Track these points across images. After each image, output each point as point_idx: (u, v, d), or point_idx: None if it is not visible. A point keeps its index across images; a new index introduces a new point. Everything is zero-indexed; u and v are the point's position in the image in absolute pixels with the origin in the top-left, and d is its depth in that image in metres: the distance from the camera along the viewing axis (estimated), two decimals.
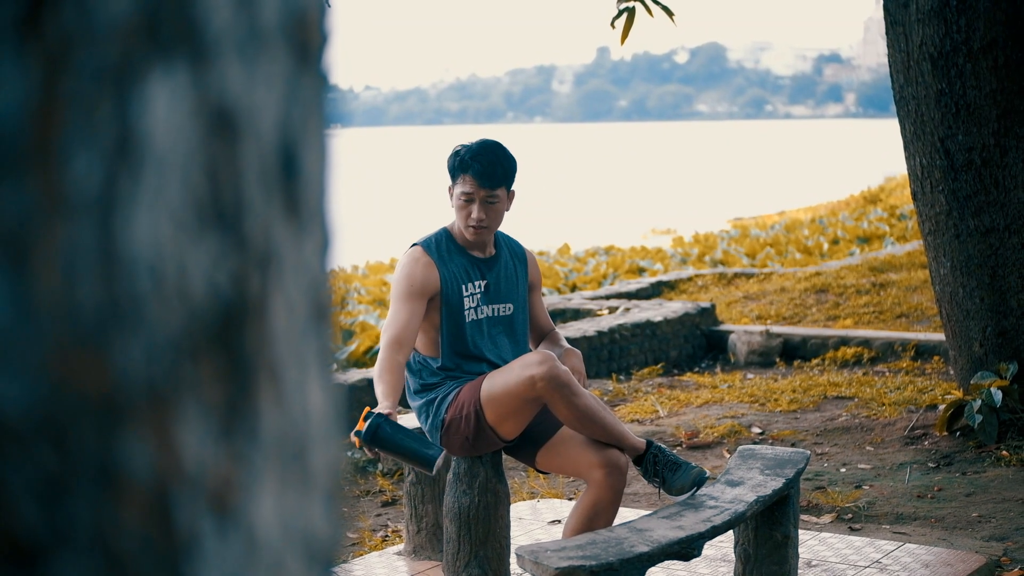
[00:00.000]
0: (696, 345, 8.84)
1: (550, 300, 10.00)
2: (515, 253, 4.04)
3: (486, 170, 3.77)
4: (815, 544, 4.50)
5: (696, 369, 8.46)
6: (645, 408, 6.90)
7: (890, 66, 6.12)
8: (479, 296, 3.89)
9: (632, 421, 6.67)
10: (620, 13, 6.41)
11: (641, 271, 15.08)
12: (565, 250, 18.97)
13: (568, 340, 7.90)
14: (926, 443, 5.97)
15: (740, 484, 3.76)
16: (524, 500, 5.23)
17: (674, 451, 6.08)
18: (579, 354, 3.96)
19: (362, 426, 3.53)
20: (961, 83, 5.81)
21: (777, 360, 8.36)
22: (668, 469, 3.76)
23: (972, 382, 5.92)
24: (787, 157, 72.16)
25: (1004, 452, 5.64)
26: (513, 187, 3.89)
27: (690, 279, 11.43)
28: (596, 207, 33.23)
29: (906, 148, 6.11)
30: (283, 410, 0.60)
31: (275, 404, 0.59)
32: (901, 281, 10.33)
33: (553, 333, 4.12)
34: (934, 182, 5.98)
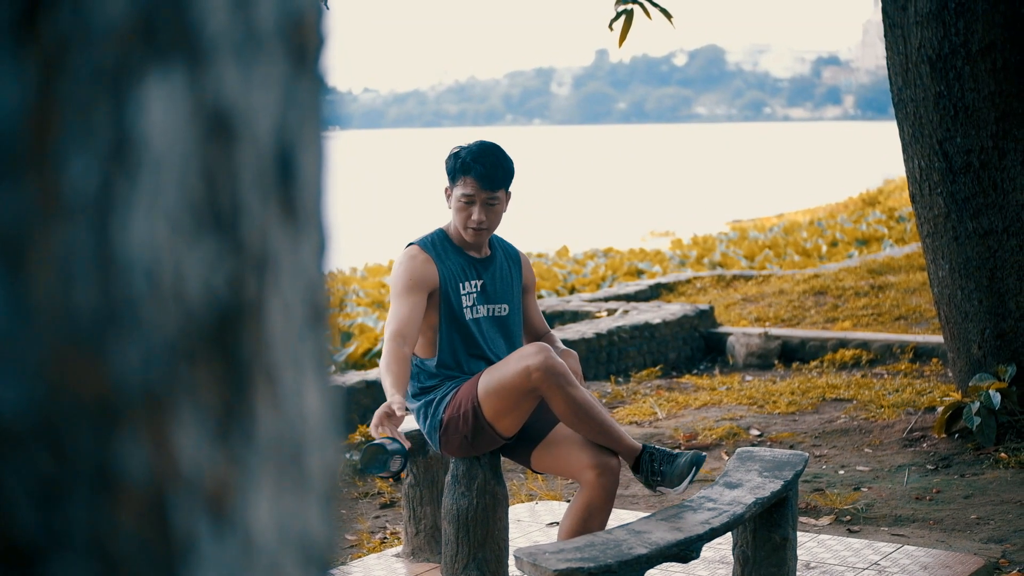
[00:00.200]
0: (695, 347, 8.84)
1: (549, 302, 10.00)
2: (509, 255, 4.05)
3: (488, 172, 3.80)
4: (813, 546, 4.50)
5: (694, 371, 8.46)
6: (643, 410, 6.90)
7: (888, 69, 6.12)
8: (476, 295, 3.90)
9: (630, 423, 6.67)
10: (618, 15, 6.41)
11: (640, 273, 15.09)
12: (564, 252, 18.98)
13: (567, 342, 7.89)
14: (924, 445, 5.97)
15: (738, 486, 3.76)
16: (522, 502, 5.23)
17: None
18: (575, 355, 3.97)
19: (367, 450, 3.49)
20: (959, 86, 5.81)
21: (775, 362, 8.36)
22: (665, 462, 3.76)
23: (970, 384, 5.92)
24: (786, 159, 72.18)
25: (1002, 454, 5.64)
26: (510, 188, 3.93)
27: (689, 281, 11.44)
28: (595, 209, 33.23)
29: (904, 150, 6.11)
30: (280, 413, 0.60)
31: (272, 407, 0.59)
32: (900, 283, 10.33)
33: (549, 335, 4.13)
34: (933, 184, 5.98)
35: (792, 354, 8.42)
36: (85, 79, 0.52)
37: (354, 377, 6.85)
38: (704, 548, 3.53)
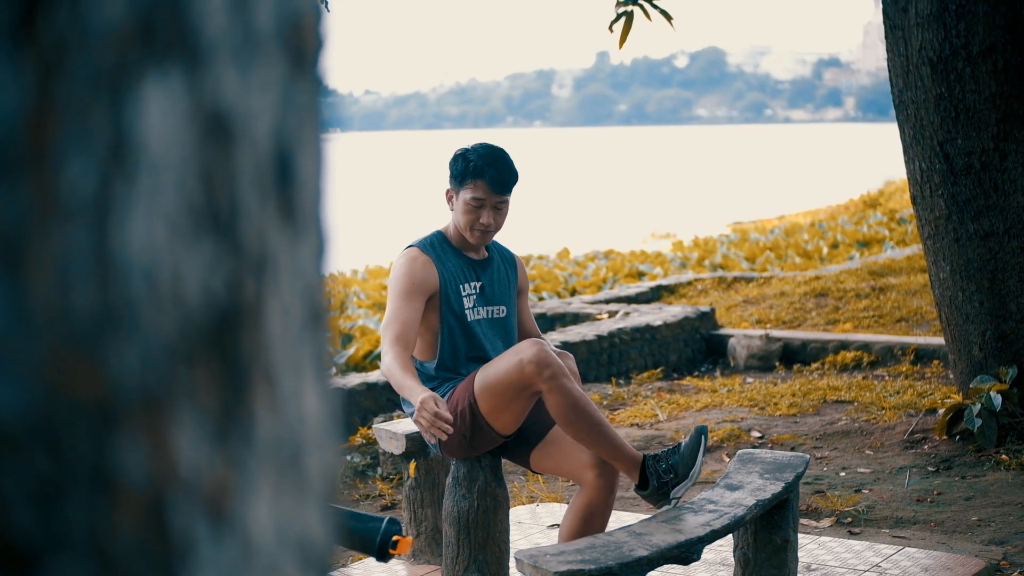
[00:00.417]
0: (696, 349, 8.84)
1: (550, 304, 10.00)
2: (505, 257, 4.07)
3: (500, 176, 3.83)
4: (814, 548, 4.50)
5: (696, 373, 8.45)
6: (644, 412, 6.90)
7: (889, 70, 6.12)
8: (475, 297, 3.91)
9: (632, 425, 6.67)
10: (618, 17, 6.42)
11: (641, 275, 15.09)
12: (565, 254, 18.98)
13: (568, 344, 7.89)
14: (926, 447, 5.97)
15: (739, 488, 3.75)
16: (523, 504, 5.23)
17: None
18: (571, 357, 3.96)
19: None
20: (960, 87, 5.81)
21: (777, 364, 8.36)
22: (671, 456, 3.71)
23: (972, 386, 5.92)
24: (787, 161, 72.17)
25: (1004, 456, 5.63)
26: None
27: (690, 283, 11.43)
28: (596, 211, 33.24)
29: (905, 152, 6.11)
30: (278, 415, 0.60)
31: (270, 409, 0.59)
32: (901, 285, 10.33)
33: (540, 339, 4.13)
34: (933, 186, 5.98)
35: (793, 356, 8.42)
36: (83, 81, 0.52)
37: (355, 379, 6.85)
38: (705, 550, 3.53)
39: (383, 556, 2.41)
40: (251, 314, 0.58)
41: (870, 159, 57.16)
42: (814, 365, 8.16)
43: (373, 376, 6.97)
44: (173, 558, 0.54)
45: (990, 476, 5.46)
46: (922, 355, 8.00)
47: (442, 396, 3.84)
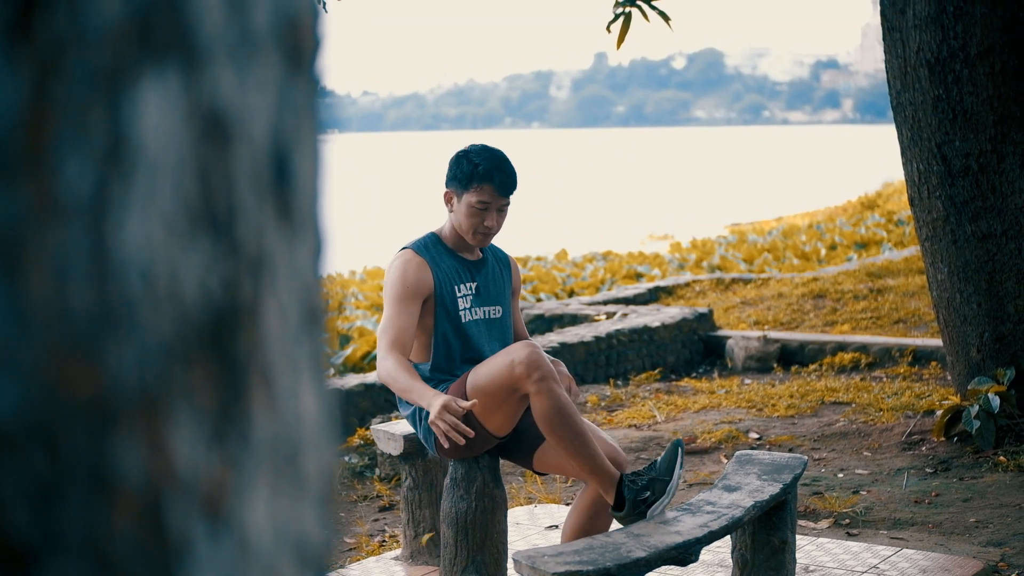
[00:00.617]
0: (694, 350, 8.84)
1: (548, 305, 10.00)
2: (499, 258, 4.07)
3: (507, 180, 3.85)
4: (812, 549, 4.50)
5: (694, 374, 8.45)
6: (642, 413, 6.90)
7: (887, 72, 6.12)
8: (471, 297, 3.91)
9: (629, 426, 6.67)
10: (616, 17, 6.42)
11: (639, 277, 15.09)
12: (563, 255, 18.98)
13: (566, 345, 7.90)
14: (923, 448, 5.97)
15: (737, 489, 3.75)
16: (521, 505, 5.23)
17: None
18: (562, 364, 3.96)
19: None
20: (958, 89, 5.81)
21: (775, 365, 8.36)
22: (646, 473, 3.70)
23: (969, 387, 5.92)
24: (785, 163, 72.20)
25: (1001, 458, 5.63)
26: None
27: (688, 285, 11.44)
28: (594, 213, 33.24)
29: (903, 154, 6.12)
30: (276, 415, 0.60)
31: (268, 409, 0.59)
32: (899, 287, 10.33)
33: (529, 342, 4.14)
34: (931, 188, 5.98)
35: (791, 357, 8.42)
36: (80, 81, 0.52)
37: (353, 380, 6.85)
38: (703, 551, 3.53)
39: None
40: (248, 314, 0.58)
41: (868, 161, 57.19)
42: (812, 366, 8.16)
43: (371, 377, 6.96)
44: (170, 558, 0.54)
45: (988, 477, 5.47)
46: (920, 356, 8.00)
47: None
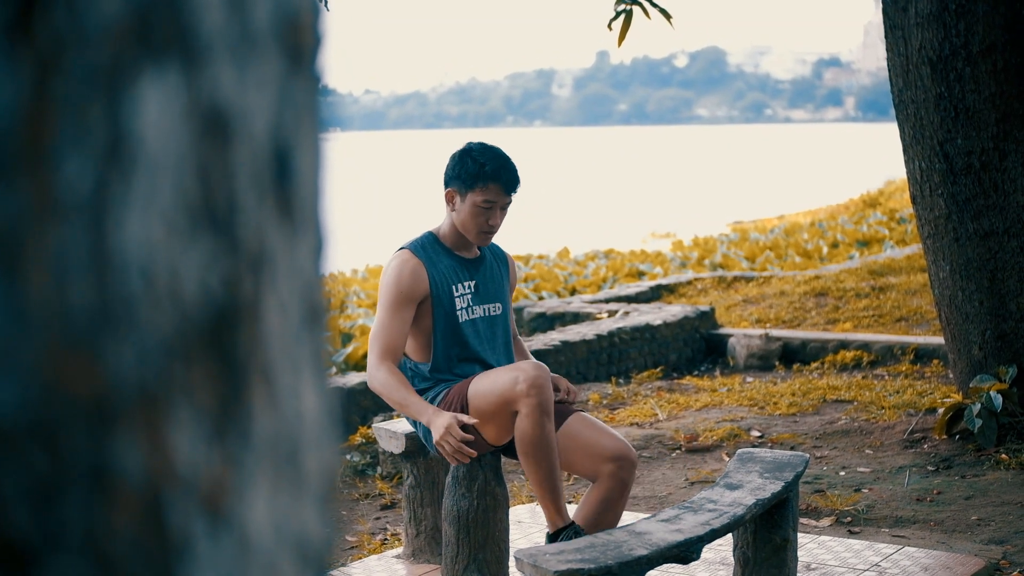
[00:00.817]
0: (695, 348, 8.84)
1: (549, 303, 9.99)
2: (496, 255, 4.08)
3: (512, 178, 3.87)
4: (814, 547, 4.50)
5: (695, 372, 8.45)
6: (644, 411, 6.90)
7: (889, 70, 6.12)
8: (470, 296, 3.91)
9: (631, 424, 6.67)
10: (617, 15, 6.42)
11: (641, 275, 15.09)
12: (565, 254, 18.98)
13: (568, 344, 7.90)
14: (925, 446, 5.97)
15: (739, 487, 3.75)
16: (523, 503, 5.23)
17: (673, 454, 6.09)
18: (545, 368, 3.97)
19: None
20: (960, 87, 5.81)
21: (776, 363, 8.35)
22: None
23: (971, 385, 5.91)
24: (787, 161, 72.17)
25: (1003, 455, 5.63)
26: None
27: (689, 283, 11.43)
28: (596, 211, 33.23)
29: (905, 152, 6.11)
30: (276, 413, 0.60)
31: (268, 407, 0.59)
32: (900, 284, 10.33)
33: (518, 339, 4.16)
34: (933, 186, 5.98)
35: (793, 355, 8.42)
36: (80, 79, 0.52)
37: (354, 378, 6.85)
38: (704, 549, 3.53)
39: None
40: (249, 312, 0.58)
41: (870, 159, 57.16)
42: (814, 364, 8.16)
43: None
44: (171, 556, 0.54)
45: (990, 475, 5.46)
46: (922, 354, 8.00)
47: (437, 397, 3.85)
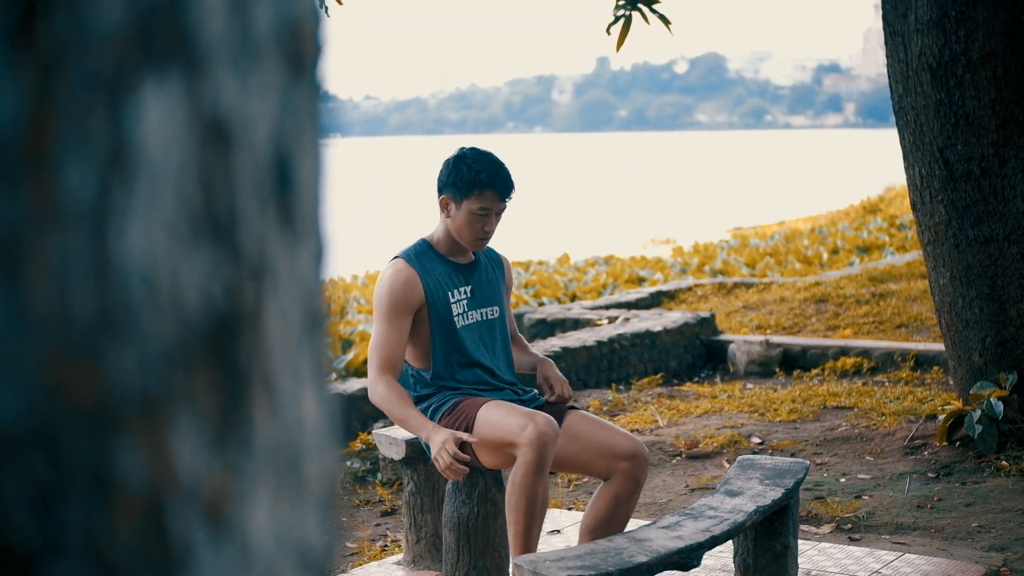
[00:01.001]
0: (696, 355, 8.83)
1: (550, 310, 9.99)
2: (491, 258, 4.09)
3: (507, 184, 3.87)
4: (814, 554, 4.50)
5: (695, 379, 8.45)
6: (644, 418, 6.90)
7: (889, 76, 6.12)
8: (466, 301, 3.92)
9: (632, 431, 6.67)
10: (616, 20, 6.43)
11: (641, 281, 15.08)
12: (565, 260, 18.98)
13: (568, 350, 7.89)
14: (926, 453, 5.97)
15: (739, 494, 3.75)
16: None
17: (673, 461, 6.08)
18: (552, 364, 4.01)
19: None
20: (960, 93, 5.81)
21: (777, 370, 8.35)
22: None
23: (972, 392, 5.91)
24: (787, 167, 72.21)
25: (1004, 462, 5.63)
26: None
27: (690, 289, 11.43)
28: (596, 217, 33.24)
29: (905, 158, 6.11)
30: (277, 420, 0.60)
31: (269, 414, 0.59)
32: (901, 291, 10.33)
33: (519, 337, 4.17)
34: (933, 192, 5.98)
35: (793, 362, 8.42)
36: (82, 86, 0.52)
37: (355, 384, 6.85)
38: (705, 556, 3.52)
39: None
40: (250, 320, 0.58)
41: (870, 165, 57.20)
42: (814, 371, 8.16)
43: None
44: (172, 563, 0.54)
45: (990, 482, 5.46)
46: (922, 361, 8.00)
47: (440, 403, 3.85)
